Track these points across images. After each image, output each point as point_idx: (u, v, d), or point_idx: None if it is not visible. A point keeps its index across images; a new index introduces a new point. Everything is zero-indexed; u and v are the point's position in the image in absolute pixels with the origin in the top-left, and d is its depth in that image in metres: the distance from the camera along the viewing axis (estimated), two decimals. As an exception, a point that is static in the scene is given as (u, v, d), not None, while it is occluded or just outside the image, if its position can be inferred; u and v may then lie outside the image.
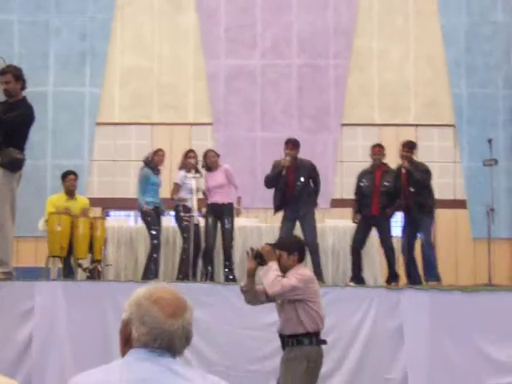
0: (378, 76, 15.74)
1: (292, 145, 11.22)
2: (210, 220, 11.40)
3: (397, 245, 11.56)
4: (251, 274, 6.69)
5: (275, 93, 15.66)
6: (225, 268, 11.32)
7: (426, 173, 11.26)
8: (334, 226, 12.45)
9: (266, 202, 14.90)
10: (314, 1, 15.78)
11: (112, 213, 15.80)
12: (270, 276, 6.45)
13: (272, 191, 11.38)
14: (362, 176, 11.57)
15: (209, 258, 11.27)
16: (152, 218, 11.26)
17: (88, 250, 11.06)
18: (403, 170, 11.15)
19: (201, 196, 11.51)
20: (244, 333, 9.21)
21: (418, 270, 11.16)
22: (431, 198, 11.31)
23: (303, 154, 11.75)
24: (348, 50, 15.68)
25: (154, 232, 11.23)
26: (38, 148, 14.33)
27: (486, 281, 11.71)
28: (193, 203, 10.90)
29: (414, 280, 10.94)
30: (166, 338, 2.64)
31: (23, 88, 9.65)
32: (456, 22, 15.65)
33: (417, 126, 15.54)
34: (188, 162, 11.53)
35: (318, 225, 11.45)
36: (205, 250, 11.35)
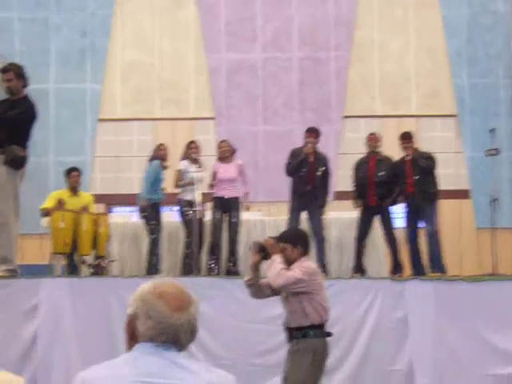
0: (379, 67, 15.73)
1: (315, 133, 11.37)
2: (218, 214, 11.40)
3: (400, 235, 11.56)
4: (255, 268, 6.69)
5: (276, 86, 15.66)
6: (229, 262, 11.34)
7: (431, 159, 11.24)
8: (338, 217, 12.44)
9: (270, 195, 14.98)
10: (313, -7, 15.77)
11: (115, 209, 15.80)
12: (274, 269, 6.45)
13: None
14: (358, 166, 11.55)
15: (216, 251, 11.29)
16: (149, 213, 11.28)
17: (92, 247, 11.07)
18: (407, 158, 11.13)
19: (203, 190, 11.48)
20: (249, 326, 9.22)
21: (422, 260, 11.16)
22: (435, 186, 11.29)
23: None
24: (349, 42, 15.67)
25: (152, 227, 11.25)
26: (41, 145, 14.33)
27: (491, 270, 11.72)
28: (195, 197, 10.90)
29: (417, 271, 10.93)
30: (172, 332, 2.65)
31: (25, 86, 9.66)
32: (457, 13, 15.62)
33: (419, 116, 15.53)
34: (190, 155, 11.53)
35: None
36: (212, 243, 11.36)
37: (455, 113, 15.53)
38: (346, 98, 15.63)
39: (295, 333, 6.59)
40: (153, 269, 10.83)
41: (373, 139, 11.54)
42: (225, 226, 11.53)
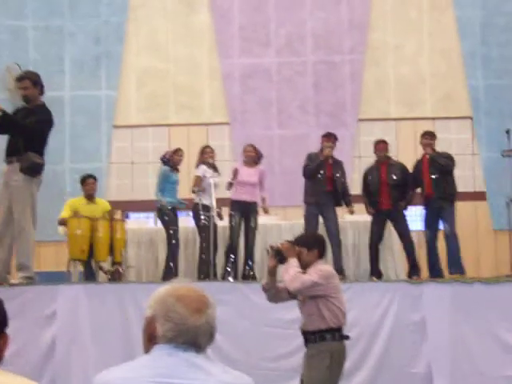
0: (393, 70, 15.70)
1: (334, 138, 11.52)
2: (236, 218, 11.41)
3: (417, 238, 11.54)
4: (272, 272, 6.70)
5: (291, 90, 15.65)
6: (245, 266, 11.34)
7: (450, 159, 11.25)
8: (354, 221, 12.42)
9: (286, 199, 14.97)
10: (326, -3, 15.77)
11: (132, 215, 15.84)
12: (290, 272, 6.46)
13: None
14: (368, 173, 11.58)
15: (234, 255, 11.30)
16: (170, 218, 11.28)
17: (108, 253, 11.09)
18: (426, 155, 11.16)
19: (219, 195, 11.49)
20: (266, 330, 9.23)
21: (439, 262, 11.14)
22: (454, 186, 11.29)
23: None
24: (363, 45, 15.65)
25: (171, 232, 11.26)
26: (56, 152, 14.37)
27: (508, 272, 11.66)
28: (211, 202, 10.92)
29: (435, 273, 10.91)
30: (191, 334, 2.68)
31: (41, 93, 9.73)
32: (471, 14, 15.57)
33: (434, 119, 15.48)
34: (205, 160, 11.55)
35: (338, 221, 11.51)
36: (229, 247, 11.37)
37: (470, 114, 15.47)
38: (360, 101, 15.61)
39: (312, 336, 6.59)
40: (169, 274, 10.83)
41: (382, 148, 11.56)
42: (239, 230, 11.54)
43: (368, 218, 12.17)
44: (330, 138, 11.52)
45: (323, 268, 6.64)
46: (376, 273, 11.23)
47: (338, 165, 11.46)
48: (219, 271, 11.35)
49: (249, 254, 11.40)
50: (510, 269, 11.58)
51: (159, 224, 11.80)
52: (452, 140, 15.17)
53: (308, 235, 7.14)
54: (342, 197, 11.39)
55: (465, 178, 14.69)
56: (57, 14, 15.73)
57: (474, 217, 15.05)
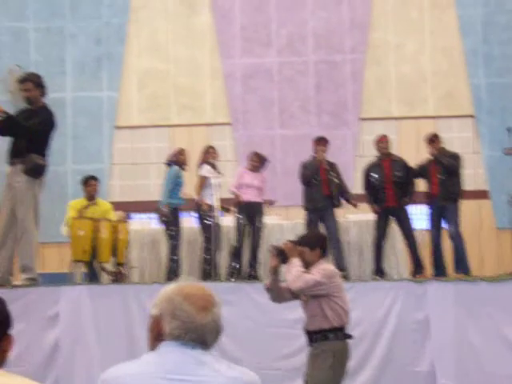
0: (395, 69, 15.69)
1: (325, 141, 11.58)
2: (242, 219, 11.44)
3: (421, 237, 11.54)
4: (274, 272, 6.70)
5: (292, 90, 15.65)
6: (250, 266, 11.35)
7: (454, 158, 11.24)
8: (357, 220, 12.43)
9: (288, 199, 14.96)
10: (327, -4, 15.77)
11: (134, 215, 15.84)
12: (292, 272, 6.46)
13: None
14: (369, 169, 11.54)
15: (239, 256, 11.32)
16: (168, 219, 11.27)
17: (111, 254, 11.08)
18: (431, 157, 11.18)
19: (223, 195, 11.51)
20: (269, 330, 9.23)
21: (443, 261, 11.14)
22: (460, 186, 11.28)
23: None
24: (364, 44, 15.65)
25: (172, 233, 11.25)
26: (59, 154, 14.36)
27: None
28: (214, 202, 10.92)
29: (439, 272, 10.91)
30: (198, 332, 2.72)
31: (44, 95, 9.73)
32: (472, 12, 15.56)
33: (436, 117, 15.47)
34: (208, 160, 11.56)
35: (340, 220, 11.51)
36: (236, 247, 11.40)
37: (472, 113, 15.46)
38: (362, 101, 15.61)
39: (316, 336, 6.59)
40: (172, 274, 10.83)
41: (383, 141, 11.54)
42: (246, 231, 11.56)
43: (370, 217, 12.16)
44: (320, 141, 11.60)
45: (326, 267, 6.64)
46: (379, 271, 11.22)
47: (331, 167, 11.47)
48: (222, 271, 11.37)
49: (253, 254, 11.41)
50: (513, 267, 11.57)
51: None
52: (454, 138, 15.15)
53: (310, 235, 7.14)
54: (339, 197, 11.39)
55: (467, 176, 14.62)
56: (58, 16, 15.74)
57: (477, 215, 15.05)
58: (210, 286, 2.92)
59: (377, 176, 11.35)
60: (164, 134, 15.68)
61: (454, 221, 11.11)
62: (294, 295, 6.73)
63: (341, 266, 11.00)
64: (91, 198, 11.61)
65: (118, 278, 11.00)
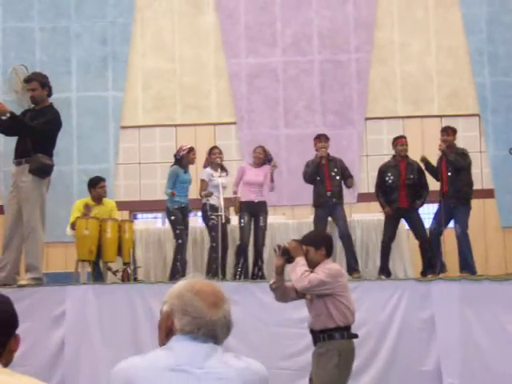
0: (400, 68, 15.68)
1: (325, 138, 11.61)
2: (246, 218, 11.46)
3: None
4: (279, 271, 6.71)
5: (297, 89, 15.65)
6: (254, 265, 11.36)
7: (461, 156, 11.21)
8: (361, 219, 12.44)
9: (293, 198, 14.98)
10: (332, -5, 15.76)
11: (139, 215, 15.87)
12: (297, 271, 6.46)
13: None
14: (385, 169, 11.54)
15: (244, 255, 11.34)
16: (176, 218, 11.25)
17: (117, 253, 11.09)
18: (439, 151, 11.20)
19: (228, 195, 11.53)
20: (274, 330, 9.23)
21: (441, 257, 11.15)
22: (468, 184, 11.26)
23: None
24: (369, 44, 15.63)
25: (178, 232, 11.24)
26: (64, 153, 14.37)
27: (517, 269, 11.66)
28: (220, 202, 10.93)
29: (440, 268, 10.92)
30: (209, 327, 2.75)
31: (50, 95, 9.76)
32: (477, 11, 15.54)
33: (441, 117, 15.45)
34: (213, 160, 11.58)
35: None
36: (240, 246, 11.42)
37: (477, 112, 15.44)
38: (367, 100, 15.60)
39: (321, 335, 6.59)
40: (178, 274, 10.84)
41: (404, 143, 11.53)
42: (248, 230, 11.57)
43: (376, 217, 12.19)
44: (321, 138, 11.64)
45: (331, 267, 6.64)
46: (385, 271, 11.23)
47: (333, 163, 11.50)
48: (229, 271, 11.39)
49: (258, 254, 11.42)
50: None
51: (167, 224, 11.78)
52: (459, 138, 15.10)
53: (315, 234, 7.14)
54: (341, 193, 11.43)
55: (473, 175, 14.67)
56: (63, 16, 15.76)
57: (482, 214, 15.02)
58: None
59: (393, 177, 11.35)
60: (169, 133, 15.68)
61: (462, 222, 11.10)
62: (299, 294, 6.74)
63: (354, 266, 11.07)
64: (99, 199, 11.59)
65: (124, 277, 11.01)
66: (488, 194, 15.09)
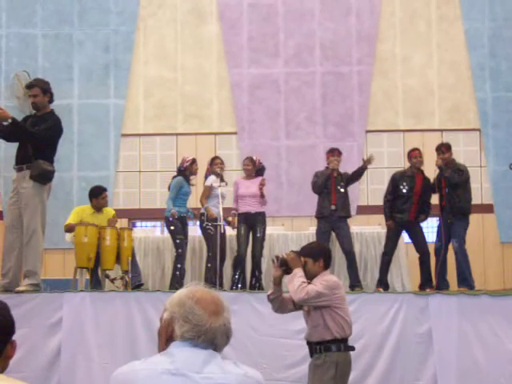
0: (401, 82, 15.71)
1: (338, 153, 11.65)
2: (243, 229, 11.45)
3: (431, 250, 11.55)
4: (277, 282, 6.69)
5: (299, 101, 15.67)
6: (252, 276, 11.35)
7: (457, 172, 11.18)
8: (360, 232, 12.44)
9: (292, 210, 14.98)
10: (336, 8, 15.78)
11: (138, 223, 15.87)
12: (295, 283, 6.45)
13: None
14: (400, 178, 11.46)
15: (240, 267, 11.33)
16: (176, 227, 11.26)
17: (115, 261, 11.08)
18: (436, 167, 11.21)
19: (226, 204, 11.53)
20: (271, 341, 9.21)
21: (446, 274, 11.13)
22: (465, 200, 11.23)
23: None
24: (371, 56, 15.67)
25: (177, 241, 11.25)
26: (64, 160, 14.40)
27: (515, 285, 11.65)
28: (219, 211, 10.94)
29: (440, 285, 10.91)
30: (209, 335, 2.78)
31: (51, 101, 9.77)
32: (479, 26, 15.59)
33: (442, 131, 15.48)
34: (214, 170, 11.59)
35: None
36: (237, 258, 11.41)
37: (478, 127, 15.47)
38: (368, 113, 15.62)
39: (317, 347, 6.58)
40: (176, 283, 10.83)
41: (415, 155, 11.47)
42: (249, 241, 11.57)
43: (375, 230, 12.19)
44: (334, 152, 11.64)
45: (328, 278, 6.63)
46: (383, 284, 11.23)
47: (341, 178, 11.50)
48: (226, 281, 11.38)
49: (256, 265, 11.41)
50: (517, 282, 11.56)
51: (166, 233, 11.77)
52: (460, 152, 15.15)
53: (313, 246, 7.12)
54: (345, 208, 11.43)
55: (472, 190, 14.66)
56: (66, 23, 15.79)
57: (482, 229, 15.03)
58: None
59: (407, 187, 11.32)
60: (170, 142, 15.70)
61: (459, 236, 11.08)
62: (297, 306, 6.72)
63: (355, 280, 11.08)
64: (100, 208, 11.58)
65: (122, 285, 10.99)
66: (487, 209, 15.10)
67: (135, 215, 15.57)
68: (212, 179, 11.50)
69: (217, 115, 15.79)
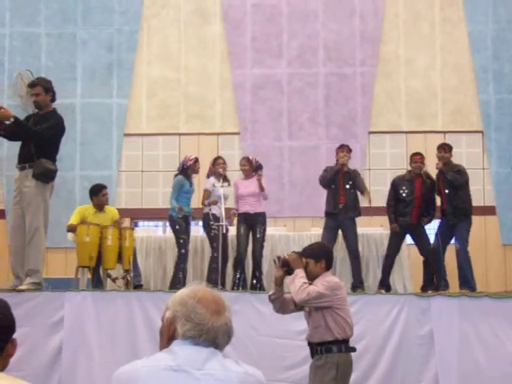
0: (404, 83, 15.70)
1: (348, 149, 11.68)
2: (242, 229, 11.47)
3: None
4: (278, 283, 6.69)
5: (302, 101, 15.66)
6: (253, 277, 11.35)
7: (458, 173, 11.21)
8: (363, 233, 12.43)
9: (294, 210, 14.97)
10: (339, 9, 15.77)
11: (140, 223, 15.87)
12: (296, 283, 6.45)
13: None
14: (400, 183, 11.49)
15: (241, 267, 11.33)
16: (180, 227, 11.28)
17: (117, 260, 11.08)
18: (437, 168, 11.21)
19: (229, 205, 11.54)
20: (273, 341, 9.21)
21: (445, 275, 11.14)
22: (467, 201, 11.25)
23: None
24: (374, 58, 15.66)
25: (181, 241, 11.25)
26: (67, 159, 14.41)
27: (517, 287, 11.64)
28: (221, 212, 10.95)
29: (439, 285, 10.91)
30: (211, 334, 2.81)
31: (53, 100, 9.78)
32: (483, 29, 15.57)
33: (445, 132, 15.46)
34: (216, 170, 11.60)
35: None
36: (237, 258, 11.42)
37: (481, 129, 15.45)
38: (371, 114, 15.61)
39: (318, 348, 6.57)
40: (178, 283, 10.83)
41: (419, 160, 11.48)
42: (250, 241, 11.57)
43: (377, 231, 12.19)
44: (343, 148, 11.67)
45: (330, 279, 6.63)
46: (385, 285, 11.23)
47: (349, 176, 11.49)
48: (229, 281, 11.39)
49: (256, 265, 11.41)
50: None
51: (168, 232, 11.77)
52: (462, 154, 15.15)
53: (315, 246, 7.11)
54: (355, 206, 11.45)
55: (475, 192, 14.62)
56: (70, 22, 15.80)
57: (483, 231, 15.02)
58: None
59: (407, 191, 11.33)
60: (173, 142, 15.70)
61: (462, 238, 11.11)
62: (298, 306, 6.73)
63: (358, 279, 11.09)
64: (102, 207, 11.58)
65: (123, 284, 11.00)
66: (489, 210, 15.08)
67: (137, 215, 15.57)
68: (211, 181, 11.51)
69: (220, 115, 15.78)
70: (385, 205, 11.60)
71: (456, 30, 15.71)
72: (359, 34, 15.72)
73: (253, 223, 11.49)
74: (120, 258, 11.06)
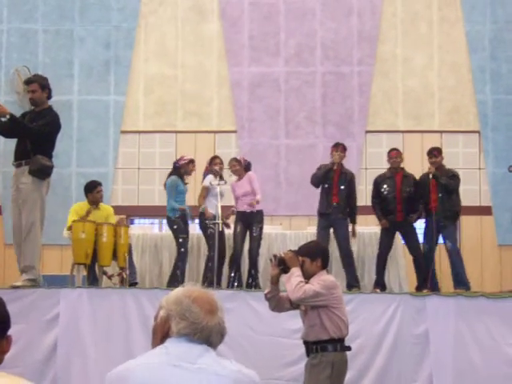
0: (402, 83, 15.70)
1: (342, 147, 11.60)
2: (239, 227, 11.47)
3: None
4: (274, 281, 6.69)
5: (299, 100, 15.66)
6: (249, 275, 11.35)
7: (453, 178, 11.26)
8: (358, 233, 12.42)
9: (291, 209, 14.97)
10: (337, 8, 15.77)
11: (136, 220, 15.86)
12: (292, 282, 6.45)
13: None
14: (381, 181, 11.54)
15: (236, 265, 11.33)
16: (179, 226, 11.27)
17: (112, 258, 11.07)
18: (430, 173, 11.20)
19: (224, 203, 11.53)
20: (268, 339, 9.21)
21: (436, 275, 11.17)
22: (458, 204, 11.31)
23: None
24: (372, 57, 15.66)
25: (181, 240, 11.25)
26: (63, 156, 14.40)
27: (512, 287, 11.64)
28: (217, 210, 10.94)
29: (432, 286, 10.92)
30: (205, 332, 2.86)
31: (49, 97, 9.76)
32: (480, 29, 15.58)
33: (441, 132, 15.48)
34: (213, 169, 11.60)
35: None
36: (233, 256, 11.42)
37: (478, 129, 15.46)
38: (368, 113, 15.61)
39: (314, 347, 6.57)
40: (176, 281, 10.81)
41: (395, 155, 11.55)
42: (246, 240, 11.57)
43: (373, 230, 12.18)
44: (338, 147, 11.60)
45: (326, 278, 6.63)
46: (380, 285, 11.22)
47: (345, 176, 11.47)
48: (225, 280, 11.38)
49: (252, 263, 11.40)
50: (514, 284, 11.57)
51: (164, 230, 11.76)
52: (459, 154, 15.17)
53: (311, 245, 7.11)
54: (347, 211, 11.41)
55: (471, 192, 14.69)
56: (67, 18, 15.79)
57: (479, 231, 15.03)
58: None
59: (388, 188, 11.36)
60: (169, 139, 15.69)
61: (452, 238, 11.16)
62: (294, 305, 6.72)
63: (352, 279, 11.07)
64: (97, 203, 11.58)
65: (119, 281, 10.99)
66: (485, 211, 15.10)
67: (133, 212, 15.56)
68: (210, 178, 11.51)
69: (217, 113, 15.78)
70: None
71: (454, 29, 15.71)
72: (357, 33, 15.72)
73: (250, 222, 11.49)
74: (115, 256, 11.05)
